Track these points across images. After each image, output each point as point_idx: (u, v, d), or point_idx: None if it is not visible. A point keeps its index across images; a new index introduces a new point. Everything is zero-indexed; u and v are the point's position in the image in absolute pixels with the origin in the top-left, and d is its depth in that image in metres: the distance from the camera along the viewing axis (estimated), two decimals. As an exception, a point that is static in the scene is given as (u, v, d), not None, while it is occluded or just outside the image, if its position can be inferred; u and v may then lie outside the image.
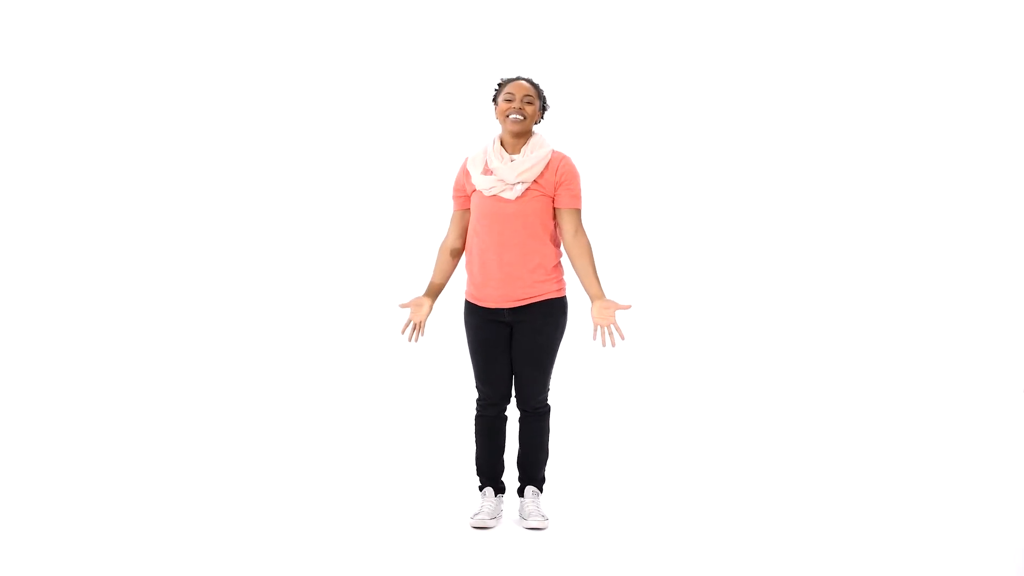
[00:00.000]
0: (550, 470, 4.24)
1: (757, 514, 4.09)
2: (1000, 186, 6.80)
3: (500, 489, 4.04)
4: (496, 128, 3.96)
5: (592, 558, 3.62)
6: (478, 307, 3.91)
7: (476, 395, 4.01)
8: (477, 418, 4.01)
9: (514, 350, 3.90)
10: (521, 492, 4.03)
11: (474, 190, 3.88)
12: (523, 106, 3.82)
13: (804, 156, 6.97)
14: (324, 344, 6.80)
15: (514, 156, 3.83)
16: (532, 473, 4.01)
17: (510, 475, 4.15)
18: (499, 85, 3.92)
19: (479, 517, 3.94)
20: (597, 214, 6.67)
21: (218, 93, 7.00)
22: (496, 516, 3.98)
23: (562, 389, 4.80)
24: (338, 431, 5.48)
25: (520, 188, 3.80)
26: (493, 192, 3.81)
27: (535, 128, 3.92)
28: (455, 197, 4.00)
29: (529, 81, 3.89)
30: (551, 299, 3.89)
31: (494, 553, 3.68)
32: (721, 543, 3.76)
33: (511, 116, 3.82)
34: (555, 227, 3.90)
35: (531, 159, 3.81)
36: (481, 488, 4.04)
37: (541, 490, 4.03)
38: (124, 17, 6.90)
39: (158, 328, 6.82)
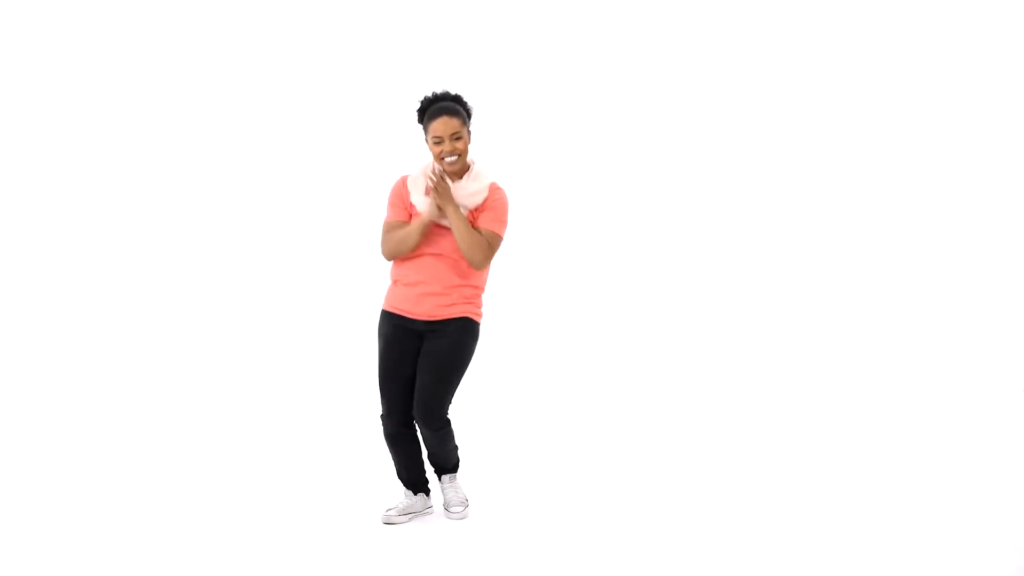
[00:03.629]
0: (537, 472, 4.24)
1: (756, 514, 4.08)
2: (1000, 186, 6.79)
3: (420, 488, 4.08)
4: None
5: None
6: (394, 315, 3.94)
7: (380, 411, 4.02)
8: (385, 436, 4.03)
9: (421, 359, 3.92)
10: (439, 477, 4.11)
11: (414, 209, 3.89)
12: (454, 145, 3.82)
13: (801, 158, 6.96)
14: (319, 347, 6.80)
15: (455, 181, 3.85)
16: (442, 465, 4.09)
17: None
18: (420, 111, 3.90)
19: (388, 513, 4.00)
20: (589, 216, 6.71)
21: (213, 97, 6.99)
22: (408, 512, 4.02)
23: (558, 387, 4.84)
24: (336, 432, 5.47)
25: (463, 214, 3.84)
26: (433, 218, 3.84)
27: (472, 158, 3.92)
28: (397, 206, 3.92)
29: (449, 111, 3.84)
30: (468, 318, 3.94)
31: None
32: (719, 543, 3.75)
33: (446, 159, 3.83)
34: None
35: (473, 185, 3.85)
36: (403, 485, 4.10)
37: (454, 472, 4.10)
38: (124, 17, 6.90)
39: (154, 329, 6.81)
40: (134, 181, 6.99)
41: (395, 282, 3.97)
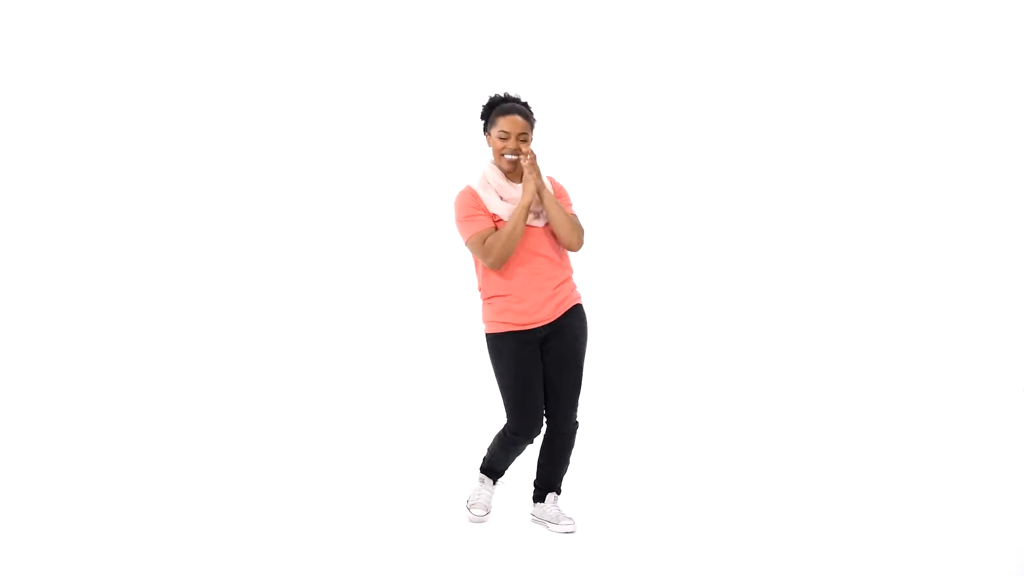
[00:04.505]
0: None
1: (756, 514, 4.09)
2: (1000, 186, 6.80)
3: (497, 478, 4.11)
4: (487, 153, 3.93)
5: (602, 560, 3.62)
6: (513, 333, 3.82)
7: (509, 426, 3.90)
8: (506, 439, 3.94)
9: (553, 360, 3.86)
10: (541, 497, 4.02)
11: (494, 216, 3.82)
12: (518, 144, 3.77)
13: (802, 158, 6.97)
14: (326, 344, 6.81)
15: (517, 184, 3.82)
16: (552, 483, 4.03)
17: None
18: (489, 108, 3.85)
19: (477, 511, 4.00)
20: (597, 216, 6.72)
21: (218, 97, 7.00)
22: (490, 507, 4.06)
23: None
24: (344, 431, 5.48)
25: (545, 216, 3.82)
26: (532, 200, 3.76)
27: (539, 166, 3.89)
28: (478, 217, 3.78)
29: (522, 113, 3.80)
30: (578, 304, 3.92)
31: (514, 556, 3.68)
32: (723, 543, 3.76)
33: (506, 156, 3.78)
34: None
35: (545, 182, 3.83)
36: (481, 471, 4.09)
37: (559, 494, 4.06)
38: (124, 17, 6.91)
39: (163, 330, 6.82)
40: (152, 184, 7.01)
41: (497, 298, 3.83)
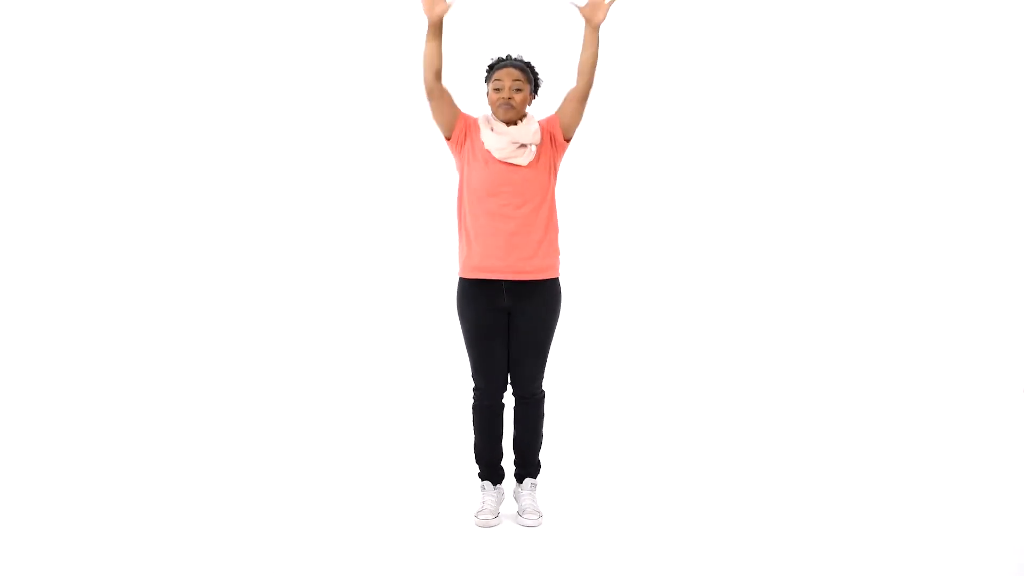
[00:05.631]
0: (549, 462, 4.25)
1: (755, 513, 4.08)
2: (1000, 186, 6.79)
3: (500, 478, 4.07)
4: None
5: (587, 553, 3.61)
6: (476, 292, 3.85)
7: (472, 384, 4.00)
8: (474, 409, 4.00)
9: (512, 335, 3.89)
10: (519, 479, 4.06)
11: (481, 146, 3.83)
12: (512, 94, 3.81)
13: (802, 157, 6.96)
14: (322, 339, 6.80)
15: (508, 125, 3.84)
16: (528, 458, 4.05)
17: (507, 461, 4.16)
18: (489, 68, 3.92)
19: (484, 516, 3.96)
20: (594, 210, 6.72)
21: (217, 95, 6.99)
22: (498, 511, 4.00)
23: (559, 382, 4.85)
24: (338, 427, 5.47)
25: (533, 149, 3.79)
26: (504, 154, 3.78)
27: (528, 110, 3.91)
28: (456, 107, 3.87)
29: (518, 65, 3.87)
30: (549, 280, 3.88)
31: (489, 547, 3.67)
32: (719, 542, 3.75)
33: (501, 105, 3.82)
34: (553, 194, 3.89)
35: (531, 126, 3.81)
36: (481, 479, 4.06)
37: (536, 477, 4.06)
38: (124, 17, 6.90)
39: (159, 328, 6.81)
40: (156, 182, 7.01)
41: (464, 236, 3.86)
